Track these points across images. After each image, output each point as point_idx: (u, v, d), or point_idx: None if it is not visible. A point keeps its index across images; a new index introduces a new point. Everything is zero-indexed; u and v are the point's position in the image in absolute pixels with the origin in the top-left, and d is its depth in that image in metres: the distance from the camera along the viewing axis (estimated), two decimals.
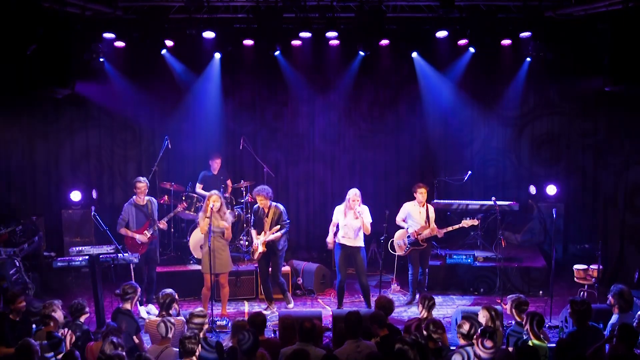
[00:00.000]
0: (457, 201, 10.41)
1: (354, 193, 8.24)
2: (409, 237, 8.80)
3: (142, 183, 8.60)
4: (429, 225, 8.78)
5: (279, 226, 8.40)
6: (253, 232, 8.60)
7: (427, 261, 9.03)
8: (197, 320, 5.84)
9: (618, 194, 10.17)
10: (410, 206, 8.89)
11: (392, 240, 8.99)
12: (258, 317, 5.99)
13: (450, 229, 8.87)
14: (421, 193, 8.76)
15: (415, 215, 8.83)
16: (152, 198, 8.85)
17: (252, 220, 8.61)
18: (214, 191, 8.22)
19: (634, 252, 9.73)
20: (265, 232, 8.44)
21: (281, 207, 8.54)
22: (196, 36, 9.53)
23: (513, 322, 6.52)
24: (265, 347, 5.61)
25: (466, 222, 8.81)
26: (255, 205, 8.64)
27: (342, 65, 10.79)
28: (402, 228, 8.94)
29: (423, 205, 8.84)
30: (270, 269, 8.63)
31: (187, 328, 5.93)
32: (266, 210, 8.47)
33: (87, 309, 6.44)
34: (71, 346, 5.92)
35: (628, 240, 9.88)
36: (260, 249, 8.42)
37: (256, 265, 9.40)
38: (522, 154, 11.31)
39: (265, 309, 8.61)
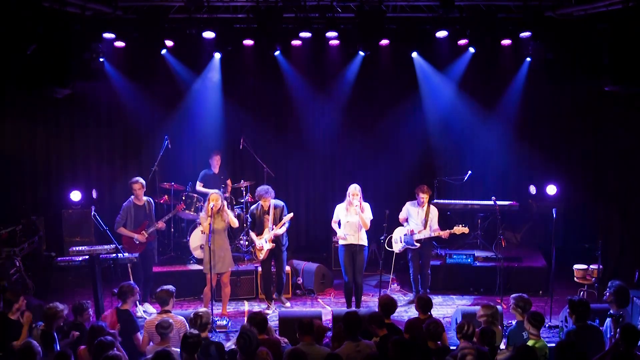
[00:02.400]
0: (457, 201, 10.41)
1: (353, 188, 8.27)
2: (405, 235, 8.81)
3: (137, 183, 8.60)
4: (425, 227, 8.78)
5: (282, 221, 8.45)
6: (252, 234, 8.61)
7: (427, 261, 8.96)
8: (201, 320, 5.85)
9: (618, 194, 10.17)
10: (409, 205, 8.93)
11: (391, 237, 8.99)
12: (258, 317, 5.99)
13: (444, 233, 8.77)
14: (423, 197, 8.76)
15: (413, 215, 8.86)
16: (150, 198, 8.86)
17: (249, 223, 8.64)
18: (215, 190, 8.25)
19: (634, 252, 9.73)
20: (269, 230, 8.47)
21: (281, 203, 8.65)
22: (196, 36, 9.52)
23: (513, 322, 6.52)
24: (266, 346, 5.61)
25: (457, 229, 8.76)
26: (253, 207, 8.67)
27: (342, 65, 10.78)
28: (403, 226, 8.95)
29: (423, 207, 8.84)
30: (273, 267, 8.72)
31: (189, 327, 5.94)
32: (266, 209, 8.49)
33: (89, 310, 6.46)
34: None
35: (628, 240, 9.89)
36: (268, 246, 8.48)
37: (256, 264, 9.42)
38: (522, 154, 11.30)
39: (266, 309, 8.62)
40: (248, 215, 8.70)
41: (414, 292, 9.02)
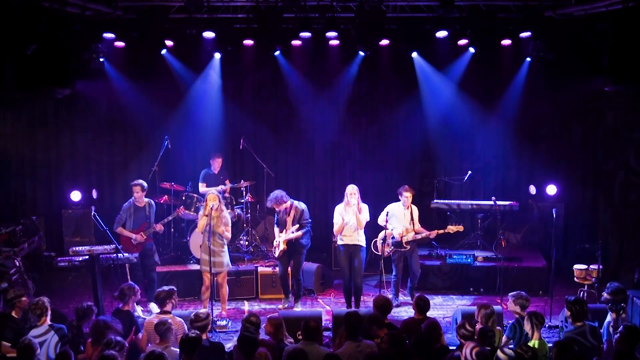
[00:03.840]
0: (457, 201, 10.41)
1: (351, 187, 8.28)
2: (392, 238, 8.70)
3: (137, 186, 8.58)
4: (414, 227, 8.72)
5: (298, 225, 8.43)
6: (276, 230, 8.64)
7: (416, 261, 8.86)
8: (200, 322, 5.85)
9: (618, 194, 10.17)
10: (394, 207, 8.76)
11: (375, 240, 8.90)
12: (253, 318, 5.99)
13: (435, 233, 8.74)
14: (406, 197, 8.68)
15: (399, 217, 8.71)
16: (151, 201, 8.86)
17: (275, 219, 8.66)
18: (212, 190, 8.26)
19: (634, 252, 9.73)
20: (286, 230, 8.49)
21: (302, 205, 8.58)
22: (196, 36, 9.53)
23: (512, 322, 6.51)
24: (264, 347, 5.61)
25: (451, 228, 8.71)
26: None
27: (342, 65, 10.79)
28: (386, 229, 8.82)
29: (407, 207, 8.78)
30: (290, 267, 8.72)
31: (187, 328, 5.94)
32: (288, 210, 8.50)
33: (94, 316, 6.46)
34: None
35: (628, 240, 9.89)
36: (282, 246, 8.48)
37: (256, 265, 9.48)
38: (522, 154, 11.28)
39: (282, 304, 8.76)
40: (275, 213, 8.68)
41: (394, 297, 8.89)
